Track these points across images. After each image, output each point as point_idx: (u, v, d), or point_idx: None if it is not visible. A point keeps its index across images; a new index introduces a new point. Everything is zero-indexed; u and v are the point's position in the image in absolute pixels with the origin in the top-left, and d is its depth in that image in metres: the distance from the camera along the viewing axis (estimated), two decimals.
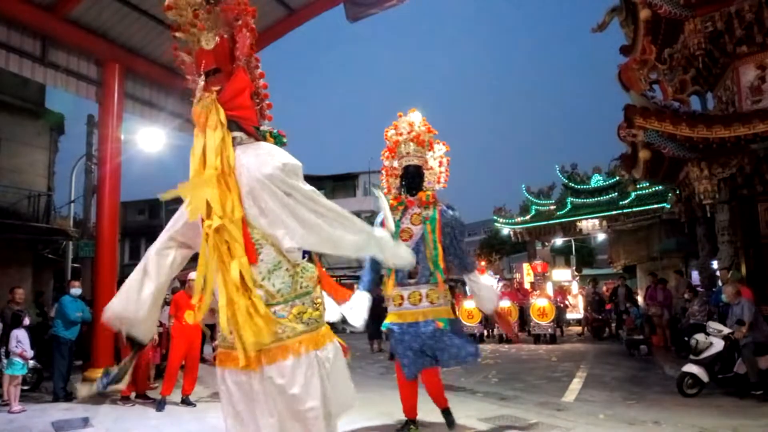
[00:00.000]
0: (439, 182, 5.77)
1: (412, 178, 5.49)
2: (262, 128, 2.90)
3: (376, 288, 5.39)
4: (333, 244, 2.72)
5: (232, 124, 2.68)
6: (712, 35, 9.61)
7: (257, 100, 2.88)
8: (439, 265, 5.17)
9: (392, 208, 5.27)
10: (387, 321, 5.30)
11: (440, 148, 5.81)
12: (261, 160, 2.66)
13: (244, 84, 2.74)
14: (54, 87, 9.13)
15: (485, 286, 5.76)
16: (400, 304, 5.20)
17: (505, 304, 15.04)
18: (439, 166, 5.78)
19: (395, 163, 5.73)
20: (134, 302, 2.74)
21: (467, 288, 5.69)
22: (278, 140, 2.99)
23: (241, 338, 2.49)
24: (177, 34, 2.73)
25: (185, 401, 7.24)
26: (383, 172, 5.90)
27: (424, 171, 5.61)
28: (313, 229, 2.65)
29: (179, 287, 8.63)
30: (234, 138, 2.69)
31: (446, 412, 5.34)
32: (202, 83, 2.67)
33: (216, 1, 2.72)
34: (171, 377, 7.30)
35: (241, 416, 2.60)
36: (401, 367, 5.17)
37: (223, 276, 2.54)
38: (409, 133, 5.57)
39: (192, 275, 7.62)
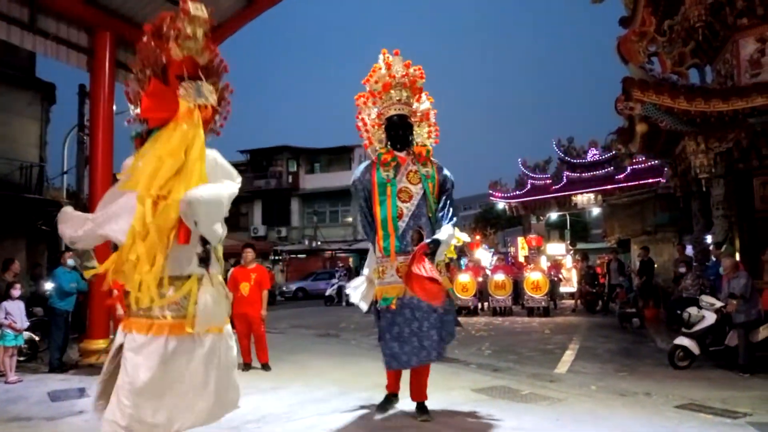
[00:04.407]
0: (430, 137, 5.12)
1: (403, 130, 4.84)
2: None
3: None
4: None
5: None
6: (712, 7, 9.46)
7: (216, 118, 3.51)
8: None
9: (385, 164, 4.77)
10: (388, 295, 4.60)
11: (424, 100, 5.13)
12: (221, 163, 3.44)
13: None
14: (44, 55, 8.92)
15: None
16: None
17: (500, 277, 15.16)
18: (426, 119, 5.12)
19: (375, 110, 5.00)
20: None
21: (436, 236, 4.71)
22: None
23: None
24: (183, 35, 3.25)
25: (265, 367, 7.56)
26: (359, 120, 5.08)
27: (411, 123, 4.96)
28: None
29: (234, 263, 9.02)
30: None
31: (422, 406, 4.89)
32: (207, 84, 3.31)
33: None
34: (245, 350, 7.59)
35: (181, 380, 3.13)
36: (386, 356, 4.59)
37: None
38: (403, 76, 4.82)
39: (248, 250, 7.92)
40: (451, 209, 4.90)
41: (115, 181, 3.64)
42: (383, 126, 4.93)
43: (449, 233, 4.69)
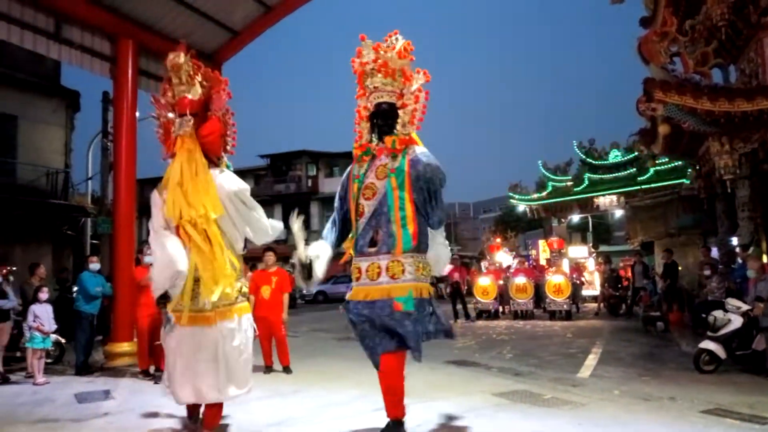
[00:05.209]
0: (412, 123, 4.41)
1: (383, 119, 4.36)
2: (223, 159, 4.70)
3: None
4: (264, 232, 4.66)
5: (203, 152, 4.43)
6: (735, 5, 9.32)
7: (226, 140, 4.66)
8: (408, 231, 4.17)
9: (357, 159, 4.44)
10: (348, 297, 4.46)
11: (419, 78, 4.46)
12: (229, 181, 4.45)
13: (215, 128, 4.49)
14: (68, 64, 9.16)
15: (441, 245, 4.68)
16: (358, 279, 4.30)
17: (521, 280, 15.03)
18: (415, 101, 4.42)
19: (367, 102, 4.54)
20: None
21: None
22: (228, 167, 4.72)
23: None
24: (174, 83, 4.41)
25: (286, 370, 7.63)
26: (356, 113, 4.62)
27: (399, 110, 4.42)
28: (256, 224, 4.59)
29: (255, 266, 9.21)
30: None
31: (397, 424, 4.24)
32: (189, 119, 4.33)
33: (197, 70, 4.51)
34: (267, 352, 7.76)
35: (187, 360, 4.25)
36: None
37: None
38: (374, 61, 4.33)
39: (269, 253, 7.99)
40: (432, 211, 4.31)
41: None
42: (370, 115, 4.51)
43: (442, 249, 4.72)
